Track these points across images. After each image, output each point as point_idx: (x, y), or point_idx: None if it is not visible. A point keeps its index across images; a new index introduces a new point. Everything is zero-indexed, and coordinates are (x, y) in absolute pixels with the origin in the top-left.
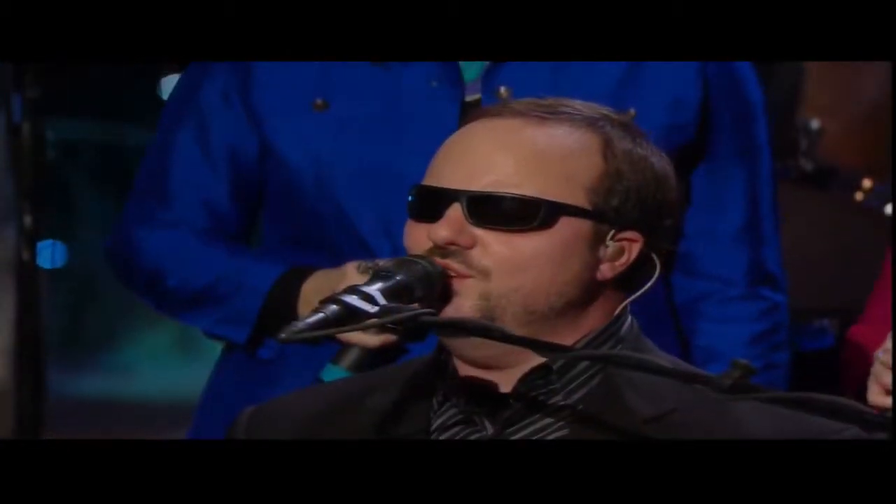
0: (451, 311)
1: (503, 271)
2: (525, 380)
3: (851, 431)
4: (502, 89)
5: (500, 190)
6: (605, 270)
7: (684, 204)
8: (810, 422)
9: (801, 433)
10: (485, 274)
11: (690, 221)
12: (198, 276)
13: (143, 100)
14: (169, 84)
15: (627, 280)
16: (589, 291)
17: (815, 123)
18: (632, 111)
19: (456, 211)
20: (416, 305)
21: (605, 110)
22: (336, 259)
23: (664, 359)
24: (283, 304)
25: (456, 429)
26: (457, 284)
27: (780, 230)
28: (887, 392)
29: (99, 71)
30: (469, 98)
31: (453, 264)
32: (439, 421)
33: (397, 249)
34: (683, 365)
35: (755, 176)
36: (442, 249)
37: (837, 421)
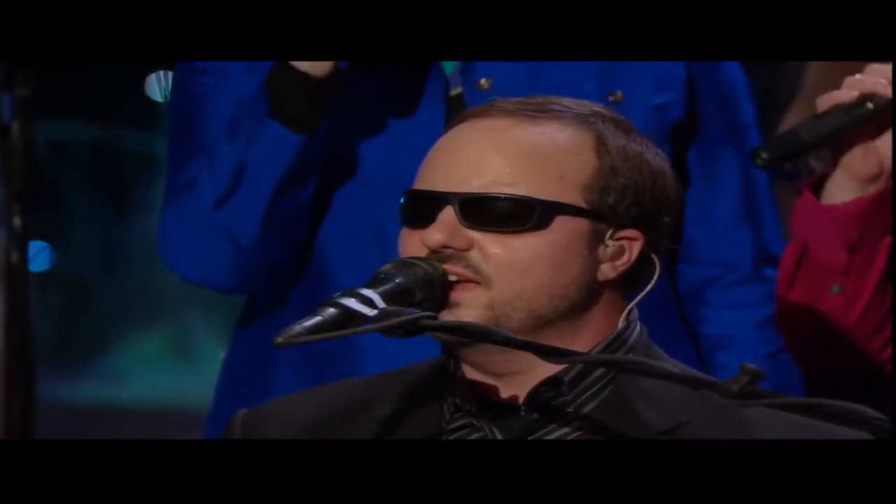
0: (458, 320)
1: (504, 274)
2: (536, 391)
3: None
4: (483, 81)
5: (493, 191)
6: (607, 271)
7: (683, 200)
8: (825, 431)
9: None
10: (487, 279)
11: (688, 208)
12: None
13: (134, 101)
14: (154, 81)
15: (630, 281)
16: (592, 293)
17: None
18: (619, 93)
19: (449, 214)
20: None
21: (596, 107)
22: (328, 257)
23: (672, 366)
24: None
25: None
26: (460, 294)
27: (778, 213)
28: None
29: (90, 71)
30: (452, 92)
31: (454, 268)
32: (449, 431)
33: (386, 252)
34: (688, 371)
35: (746, 155)
36: (438, 254)
37: (846, 426)
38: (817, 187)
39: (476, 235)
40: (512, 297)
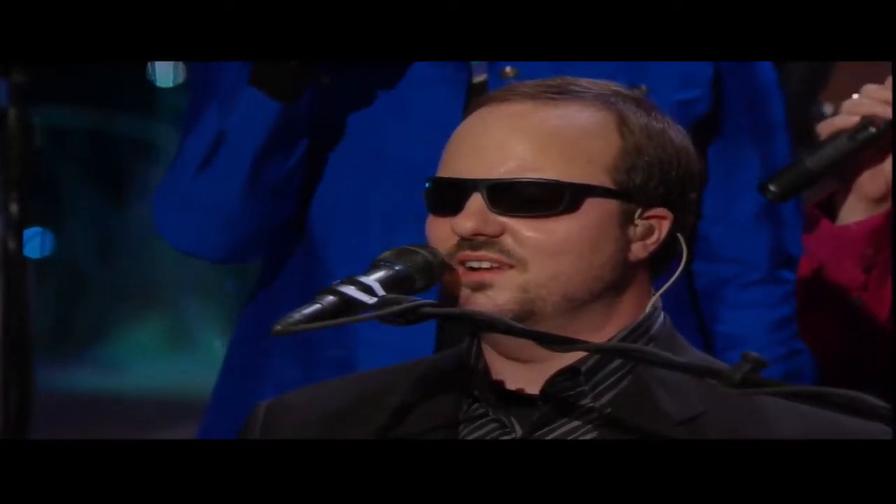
0: (487, 305)
1: (540, 257)
2: (552, 381)
3: (888, 435)
4: (508, 69)
5: (520, 176)
6: (638, 251)
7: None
8: (844, 421)
9: (833, 434)
10: (522, 262)
11: (708, 204)
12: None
13: (133, 87)
14: (158, 69)
15: (658, 261)
16: (624, 274)
17: (828, 109)
18: (643, 87)
19: (477, 201)
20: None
21: (615, 86)
22: (334, 246)
23: (693, 355)
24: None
25: (485, 430)
26: (493, 276)
27: (801, 213)
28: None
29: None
30: (476, 80)
31: (489, 254)
32: (468, 421)
33: (393, 236)
34: (702, 360)
35: (771, 155)
36: (470, 241)
37: (851, 415)
38: (826, 206)
39: (506, 221)
40: (547, 280)
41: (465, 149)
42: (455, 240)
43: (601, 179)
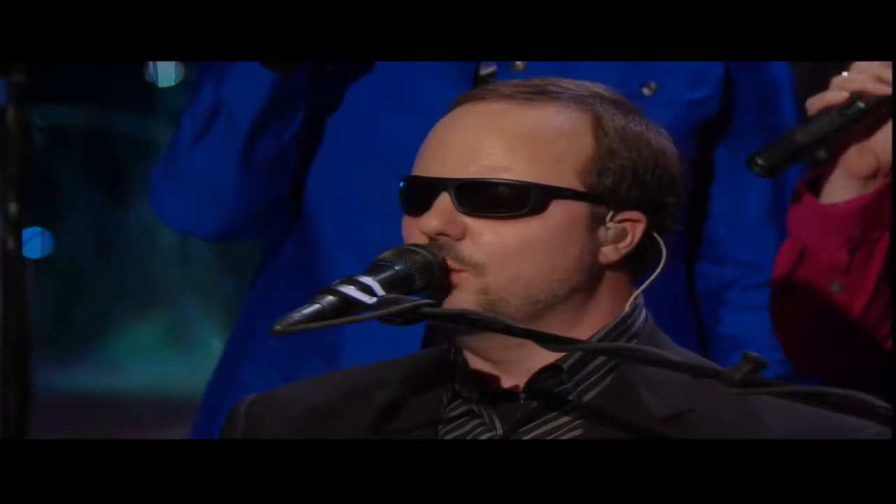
0: (454, 306)
1: (496, 263)
2: (535, 379)
3: (874, 430)
4: (518, 62)
5: (489, 176)
6: (609, 253)
7: (703, 181)
8: (829, 419)
9: (820, 431)
10: (478, 268)
11: (713, 205)
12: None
13: (132, 86)
14: (158, 69)
15: (636, 264)
16: (594, 277)
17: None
18: (653, 84)
19: (445, 200)
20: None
21: (595, 88)
22: (331, 240)
23: (677, 353)
24: None
25: (467, 427)
26: (456, 279)
27: None
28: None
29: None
30: (484, 72)
31: (446, 259)
32: (448, 418)
33: (388, 228)
34: (692, 358)
35: None
36: (434, 241)
37: (850, 415)
38: (814, 186)
39: (471, 222)
40: (506, 283)
41: (436, 147)
42: (422, 239)
43: (570, 181)
